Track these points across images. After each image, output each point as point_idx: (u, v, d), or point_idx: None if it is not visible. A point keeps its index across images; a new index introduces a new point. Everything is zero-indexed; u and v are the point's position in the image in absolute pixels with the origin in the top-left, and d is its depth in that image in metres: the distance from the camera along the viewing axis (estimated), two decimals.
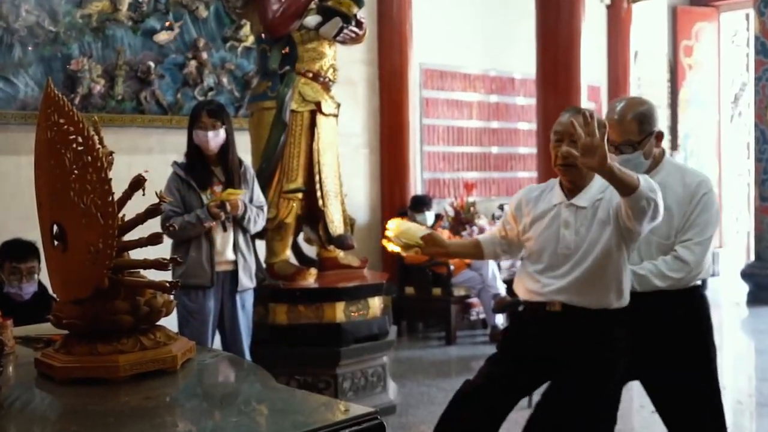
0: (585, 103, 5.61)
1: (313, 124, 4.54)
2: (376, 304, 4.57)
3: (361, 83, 7.09)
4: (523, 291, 2.53)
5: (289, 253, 4.67)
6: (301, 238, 4.93)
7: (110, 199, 1.45)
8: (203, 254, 3.66)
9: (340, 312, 4.38)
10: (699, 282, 2.58)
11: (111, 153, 1.55)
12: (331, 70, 4.60)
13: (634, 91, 9.33)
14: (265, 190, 4.31)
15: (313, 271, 4.59)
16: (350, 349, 4.34)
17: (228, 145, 3.71)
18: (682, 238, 2.49)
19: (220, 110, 3.73)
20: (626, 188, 2.17)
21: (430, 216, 6.65)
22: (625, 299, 2.40)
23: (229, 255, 3.71)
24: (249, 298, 3.83)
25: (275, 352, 4.20)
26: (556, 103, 5.39)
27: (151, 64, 5.62)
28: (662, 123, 10.15)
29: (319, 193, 4.56)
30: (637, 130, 2.57)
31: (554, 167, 2.45)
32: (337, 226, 4.65)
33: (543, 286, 2.43)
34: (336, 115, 4.69)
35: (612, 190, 2.28)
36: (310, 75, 4.52)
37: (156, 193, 1.52)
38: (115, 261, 1.49)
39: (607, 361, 2.36)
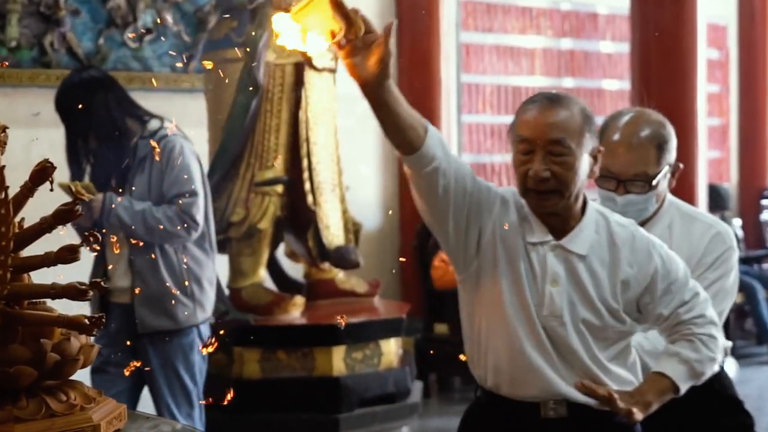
0: (705, 51, 5.58)
1: (299, 84, 4.55)
2: (391, 349, 4.58)
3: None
4: (497, 379, 2.36)
5: (263, 274, 4.69)
6: (281, 251, 4.94)
7: (2, 196, 1.47)
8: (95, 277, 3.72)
9: (338, 361, 4.38)
10: None
11: (4, 128, 1.57)
12: None
13: None
14: (226, 180, 4.33)
15: (299, 300, 4.60)
16: (354, 416, 4.35)
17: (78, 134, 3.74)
18: None
19: (60, 103, 3.76)
20: None
21: None
22: None
23: (122, 281, 3.72)
24: (174, 346, 3.77)
25: (244, 420, 4.22)
26: (660, 50, 5.37)
27: None
28: None
29: (307, 186, 4.58)
30: (656, 159, 2.58)
31: (521, 190, 2.31)
32: (334, 234, 4.66)
33: (531, 372, 2.30)
34: (333, 70, 4.71)
35: (637, 262, 2.32)
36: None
37: (70, 187, 1.53)
38: (9, 286, 1.50)
39: None
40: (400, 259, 6.73)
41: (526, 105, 2.34)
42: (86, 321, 1.55)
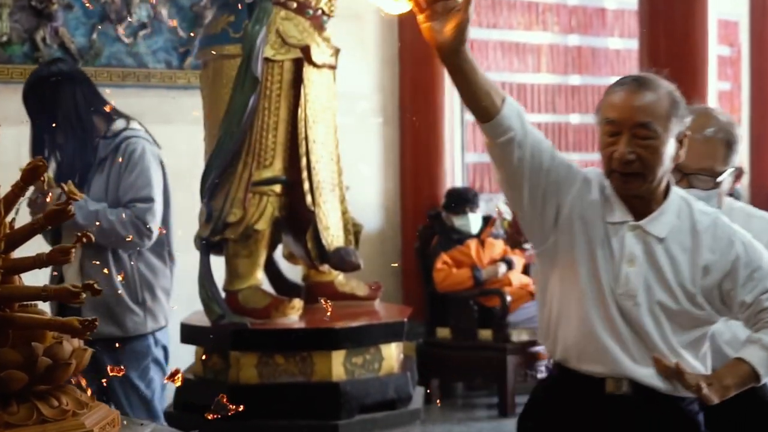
0: (715, 47, 5.58)
1: (298, 80, 4.55)
2: (392, 353, 4.57)
3: (370, 17, 7.08)
4: (566, 353, 2.48)
5: (261, 277, 4.68)
6: (279, 252, 4.93)
7: None
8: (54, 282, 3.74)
9: (338, 366, 4.38)
10: None
11: None
12: None
13: None
14: (223, 180, 4.32)
15: (298, 303, 4.60)
16: (354, 422, 4.34)
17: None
18: None
19: (26, 96, 3.76)
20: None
21: (474, 219, 6.63)
22: None
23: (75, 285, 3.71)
24: (125, 353, 3.73)
25: (241, 426, 4.21)
26: (670, 47, 5.38)
27: None
28: None
29: (306, 185, 4.57)
30: (723, 157, 2.66)
31: (606, 171, 2.41)
32: (333, 236, 4.66)
33: (598, 350, 2.40)
34: (333, 67, 4.70)
35: (719, 248, 2.38)
36: (294, 5, 4.53)
37: (61, 187, 1.54)
38: (0, 288, 1.50)
39: None
40: (392, 264, 6.72)
41: (613, 87, 2.42)
42: (78, 324, 1.55)
